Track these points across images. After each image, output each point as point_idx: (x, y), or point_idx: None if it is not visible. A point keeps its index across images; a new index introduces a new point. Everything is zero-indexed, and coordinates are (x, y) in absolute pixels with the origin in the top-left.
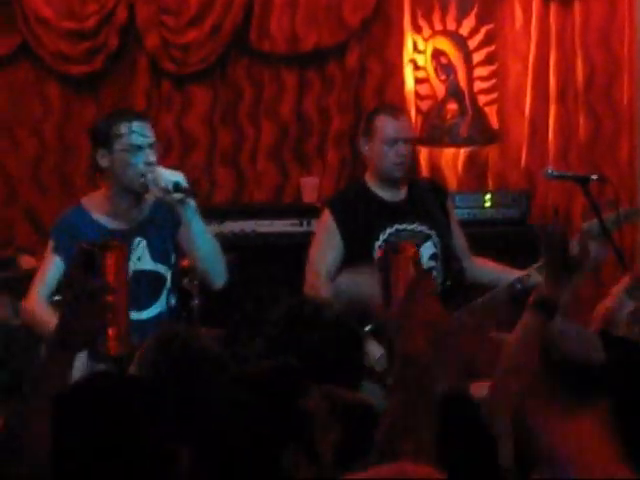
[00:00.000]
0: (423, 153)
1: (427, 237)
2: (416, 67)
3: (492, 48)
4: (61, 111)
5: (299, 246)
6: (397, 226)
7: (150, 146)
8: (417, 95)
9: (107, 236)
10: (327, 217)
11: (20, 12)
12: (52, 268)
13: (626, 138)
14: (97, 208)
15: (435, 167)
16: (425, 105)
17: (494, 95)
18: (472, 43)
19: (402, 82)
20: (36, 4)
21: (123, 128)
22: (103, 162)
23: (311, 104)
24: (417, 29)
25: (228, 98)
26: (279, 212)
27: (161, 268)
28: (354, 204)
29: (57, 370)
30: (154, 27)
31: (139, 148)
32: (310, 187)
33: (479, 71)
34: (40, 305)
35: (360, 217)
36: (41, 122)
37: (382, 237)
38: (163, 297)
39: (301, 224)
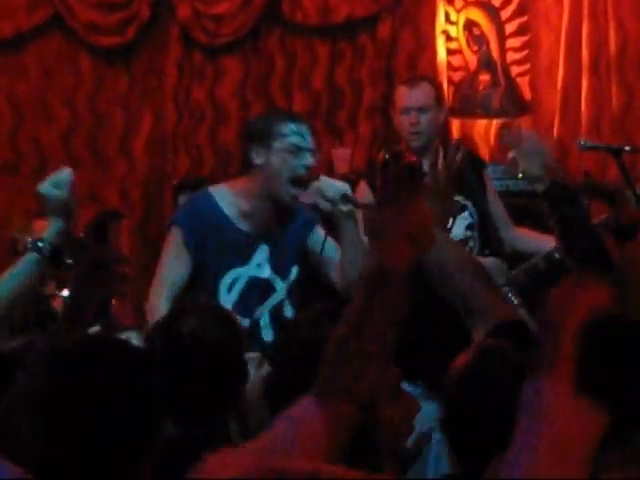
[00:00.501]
0: (455, 124)
1: (463, 207)
2: (448, 38)
3: (525, 19)
4: (93, 82)
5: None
6: None
7: (310, 151)
8: (449, 66)
9: (235, 236)
10: (364, 190)
11: None
12: (180, 266)
13: None
14: (229, 203)
15: (467, 138)
16: (457, 76)
17: (526, 66)
18: (505, 14)
19: (434, 53)
20: None
21: (286, 128)
22: (258, 159)
23: (343, 75)
24: (449, 0)
25: (260, 70)
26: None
27: (277, 280)
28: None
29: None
30: None
31: (299, 149)
32: (342, 158)
33: (511, 42)
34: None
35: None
36: (73, 93)
37: None
38: (267, 306)
39: None
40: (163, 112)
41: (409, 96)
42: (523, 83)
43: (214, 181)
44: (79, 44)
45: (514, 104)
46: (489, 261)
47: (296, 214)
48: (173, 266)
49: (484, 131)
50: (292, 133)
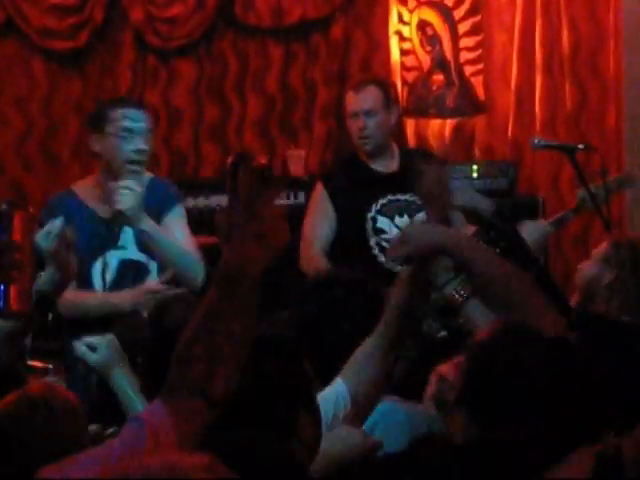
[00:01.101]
0: (410, 124)
1: (420, 207)
2: (401, 38)
3: (478, 18)
4: (46, 86)
5: (286, 219)
6: (390, 197)
7: (143, 134)
8: (403, 66)
9: (96, 223)
10: (319, 190)
11: None
12: None
13: (612, 107)
14: (87, 194)
15: (422, 138)
16: (411, 76)
17: (480, 66)
18: (458, 13)
19: (387, 54)
20: None
21: (117, 113)
22: (95, 146)
23: (297, 77)
24: (402, 0)
25: (214, 72)
26: None
27: (144, 258)
28: (346, 176)
29: None
30: (139, 1)
31: (130, 132)
32: (297, 160)
33: (465, 42)
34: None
35: (352, 189)
36: (27, 98)
37: (375, 208)
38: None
39: (288, 197)
40: None
41: (356, 101)
42: (477, 83)
43: None
44: (32, 48)
45: (468, 104)
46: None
47: (153, 189)
48: None
49: (438, 131)
50: (123, 117)
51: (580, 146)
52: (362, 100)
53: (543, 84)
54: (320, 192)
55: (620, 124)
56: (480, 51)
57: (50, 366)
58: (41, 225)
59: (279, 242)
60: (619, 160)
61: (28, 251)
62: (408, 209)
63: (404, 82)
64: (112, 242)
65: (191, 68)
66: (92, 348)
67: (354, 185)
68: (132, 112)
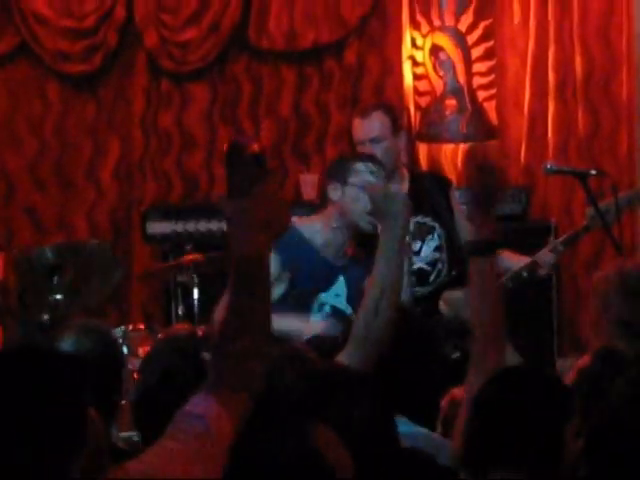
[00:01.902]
0: (422, 149)
1: (431, 229)
2: (415, 63)
3: (491, 44)
4: (60, 109)
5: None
6: None
7: None
8: (416, 91)
9: (319, 263)
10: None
11: (18, 11)
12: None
13: (625, 132)
14: (313, 234)
15: (434, 163)
16: (424, 101)
17: (493, 91)
18: (471, 39)
19: (401, 78)
20: (34, 3)
21: (361, 166)
22: (334, 195)
23: (310, 101)
24: (415, 25)
25: (227, 96)
26: None
27: (349, 311)
28: None
29: None
30: (153, 25)
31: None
32: (309, 184)
33: (478, 67)
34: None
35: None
36: (40, 121)
37: None
38: None
39: None
40: (130, 139)
41: (362, 128)
42: (490, 108)
43: (182, 207)
44: (46, 71)
45: (481, 129)
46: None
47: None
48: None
49: (451, 156)
50: (366, 171)
51: (592, 171)
52: (369, 127)
53: (556, 109)
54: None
55: (632, 149)
56: (493, 76)
57: None
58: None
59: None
60: (631, 185)
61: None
62: (419, 231)
63: (417, 107)
64: (329, 285)
65: (204, 92)
66: None
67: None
68: (375, 168)
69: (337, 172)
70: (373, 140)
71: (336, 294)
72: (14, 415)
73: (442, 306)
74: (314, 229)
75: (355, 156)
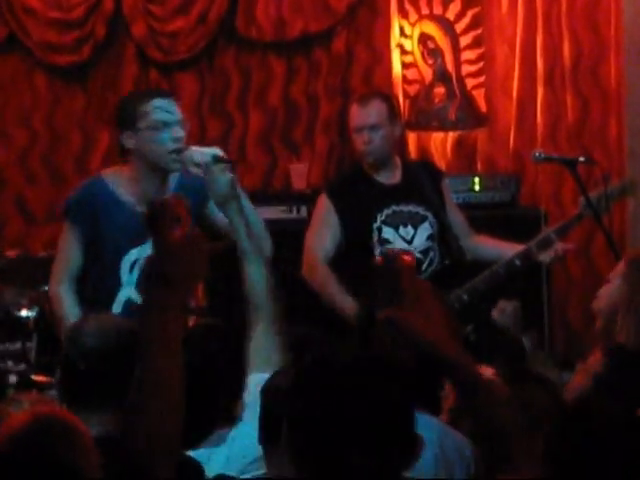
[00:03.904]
0: (412, 137)
1: (423, 218)
2: (403, 52)
3: (479, 31)
4: (50, 101)
5: (288, 233)
6: (394, 207)
7: (177, 123)
8: (405, 79)
9: (133, 218)
10: (324, 201)
11: (6, 3)
12: (71, 247)
13: (614, 119)
14: (121, 185)
15: (424, 151)
16: (413, 89)
17: (481, 79)
18: (459, 27)
19: (389, 67)
20: None
21: (147, 106)
22: (129, 143)
23: (299, 91)
24: (404, 14)
25: (216, 86)
26: (268, 199)
27: None
28: (351, 187)
29: None
30: (140, 16)
31: (165, 125)
32: (299, 173)
33: (466, 55)
34: (63, 296)
35: (357, 200)
36: (30, 112)
37: (380, 219)
38: None
39: (290, 211)
40: None
41: (360, 115)
42: (479, 95)
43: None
44: (35, 63)
45: (470, 116)
46: None
47: (178, 181)
48: (70, 254)
49: (440, 144)
50: (154, 109)
51: (581, 159)
52: (367, 114)
53: (545, 96)
54: (325, 203)
55: (622, 136)
56: (482, 64)
57: (54, 380)
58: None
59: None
60: (621, 172)
61: None
62: (412, 219)
63: (406, 95)
64: (145, 237)
65: (193, 82)
66: None
67: (359, 197)
68: (162, 103)
69: (125, 120)
70: (371, 127)
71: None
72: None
73: (495, 315)
74: (121, 179)
75: (138, 96)
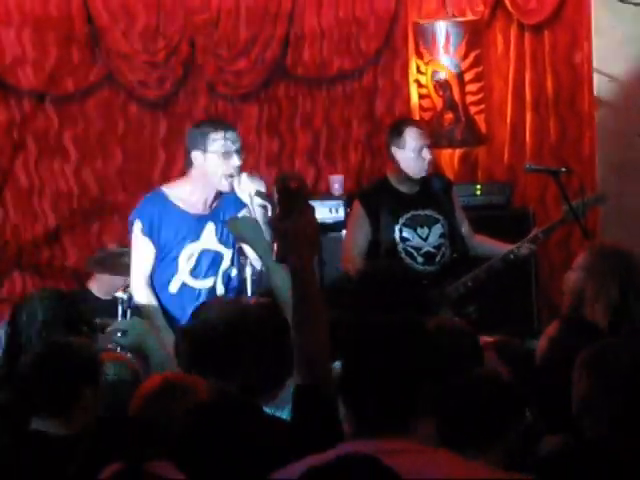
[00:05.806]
0: None
1: (436, 220)
2: (419, 85)
3: (480, 69)
4: (140, 126)
5: (329, 230)
6: (412, 212)
7: (238, 152)
8: (420, 107)
9: (186, 220)
10: (358, 207)
11: (105, 50)
12: (147, 251)
13: (587, 138)
14: (179, 196)
15: (435, 165)
16: (427, 115)
17: (482, 106)
18: (464, 65)
19: (408, 98)
20: (118, 43)
21: (218, 135)
22: (196, 161)
23: (336, 116)
24: (419, 55)
25: (271, 113)
26: (313, 203)
27: (222, 249)
28: (379, 196)
29: None
30: (211, 58)
31: (229, 152)
32: (337, 182)
33: (470, 87)
34: (150, 298)
35: (383, 206)
36: (124, 135)
37: (402, 221)
38: (220, 272)
39: (330, 212)
40: None
41: (422, 136)
42: (480, 120)
43: None
44: (128, 97)
45: (473, 137)
46: None
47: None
48: (142, 255)
49: (449, 158)
50: (223, 139)
51: (563, 169)
52: (426, 135)
53: (532, 120)
54: (358, 209)
55: (593, 152)
56: (482, 95)
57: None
58: (142, 225)
59: (315, 245)
60: (592, 180)
61: None
62: (427, 221)
63: (422, 120)
64: (197, 234)
65: (253, 110)
66: (123, 332)
67: (386, 203)
68: (230, 135)
69: (198, 142)
70: (429, 146)
71: (205, 238)
72: None
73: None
74: (178, 190)
75: (211, 125)
